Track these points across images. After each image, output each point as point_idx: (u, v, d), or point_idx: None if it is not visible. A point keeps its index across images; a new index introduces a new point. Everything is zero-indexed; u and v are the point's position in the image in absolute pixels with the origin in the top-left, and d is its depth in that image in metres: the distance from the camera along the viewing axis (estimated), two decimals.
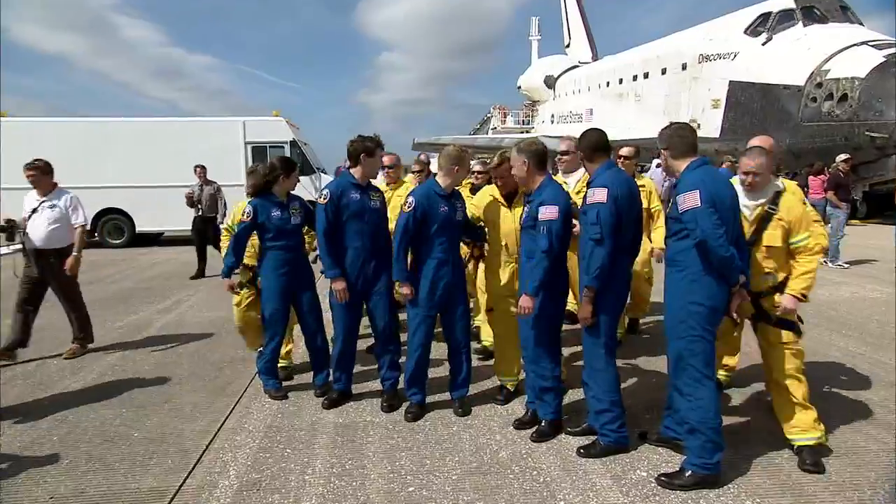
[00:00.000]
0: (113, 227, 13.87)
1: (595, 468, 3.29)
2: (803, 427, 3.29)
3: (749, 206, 3.33)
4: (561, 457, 3.43)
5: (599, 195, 3.22)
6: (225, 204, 9.86)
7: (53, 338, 5.98)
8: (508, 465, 3.35)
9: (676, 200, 3.01)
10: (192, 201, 9.70)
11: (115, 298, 8.11)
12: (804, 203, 3.41)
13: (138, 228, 13.94)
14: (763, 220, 3.32)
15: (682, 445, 3.22)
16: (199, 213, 9.74)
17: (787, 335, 3.33)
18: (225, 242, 4.66)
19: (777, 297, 3.32)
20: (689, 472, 3.07)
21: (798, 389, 3.31)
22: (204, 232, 9.81)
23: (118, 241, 13.86)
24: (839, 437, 3.55)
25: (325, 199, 3.99)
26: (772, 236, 3.31)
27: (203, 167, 9.92)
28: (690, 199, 2.92)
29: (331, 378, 4.33)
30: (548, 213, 3.43)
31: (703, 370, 3.06)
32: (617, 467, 3.29)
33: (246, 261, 4.50)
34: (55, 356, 5.44)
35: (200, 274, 9.64)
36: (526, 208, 3.62)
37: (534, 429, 3.72)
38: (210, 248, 9.64)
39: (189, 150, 12.37)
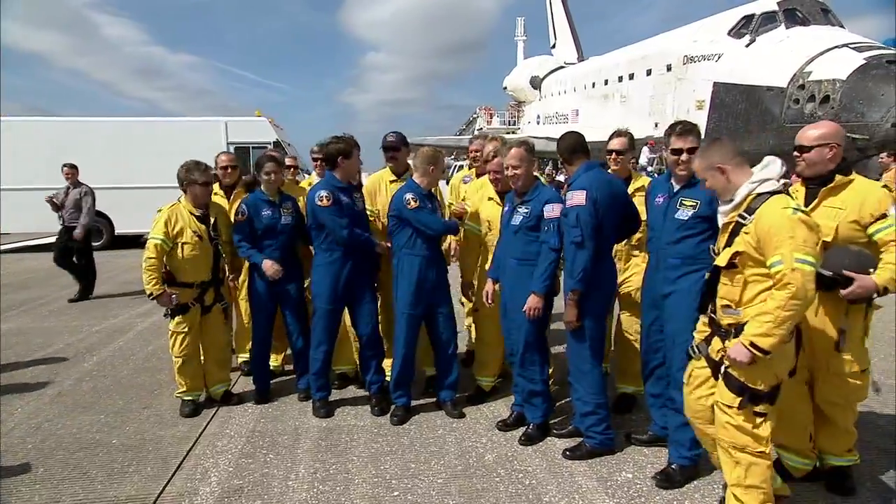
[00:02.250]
0: (91, 228, 13.64)
1: (581, 470, 3.28)
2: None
3: (723, 213, 2.57)
4: (547, 459, 3.41)
5: (578, 198, 3.21)
6: (89, 210, 8.07)
7: (27, 343, 5.87)
8: (494, 467, 3.32)
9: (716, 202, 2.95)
10: (55, 206, 8.00)
11: (94, 302, 7.97)
12: (796, 213, 2.31)
13: (117, 230, 13.71)
14: (732, 234, 2.48)
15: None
16: (63, 222, 8.03)
17: (724, 394, 2.44)
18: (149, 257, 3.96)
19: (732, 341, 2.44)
20: (675, 465, 3.12)
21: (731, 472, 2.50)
22: (68, 244, 8.03)
23: (96, 244, 13.63)
24: None
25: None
26: (725, 254, 2.48)
27: (72, 166, 8.14)
28: None
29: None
30: (555, 210, 3.42)
31: None
32: (603, 469, 3.28)
33: (189, 278, 4.08)
34: (29, 362, 5.32)
35: (84, 294, 8.05)
36: (523, 209, 3.56)
37: (518, 430, 3.71)
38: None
39: (169, 151, 12.17)
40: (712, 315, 2.58)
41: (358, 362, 4.45)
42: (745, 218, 2.39)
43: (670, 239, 3.10)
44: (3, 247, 13.76)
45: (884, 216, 2.65)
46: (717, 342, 2.55)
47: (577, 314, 3.29)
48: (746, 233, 2.37)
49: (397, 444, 3.63)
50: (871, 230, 2.67)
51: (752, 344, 2.27)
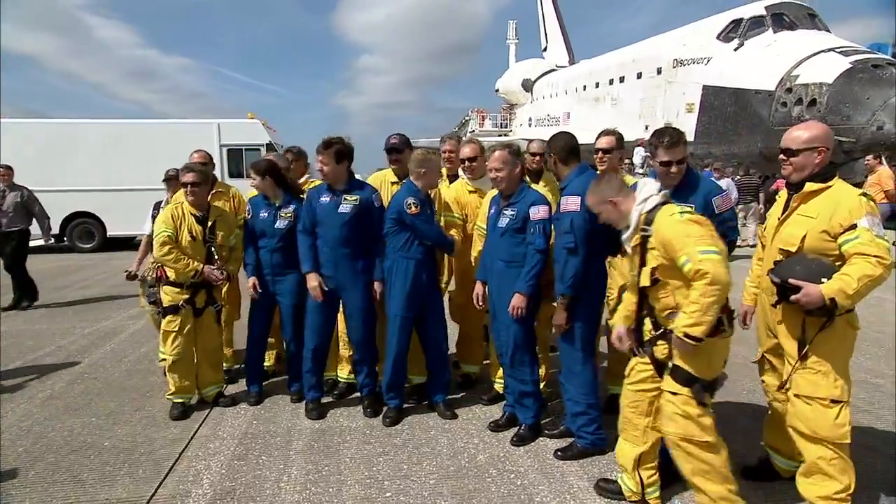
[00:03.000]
0: (83, 231, 13.57)
1: (572, 470, 3.30)
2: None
3: (626, 240, 2.75)
4: (538, 459, 3.43)
5: (573, 203, 3.23)
6: (43, 214, 7.71)
7: (18, 345, 5.82)
8: (486, 468, 3.34)
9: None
10: None
11: (85, 304, 7.93)
12: (683, 215, 2.51)
13: (110, 232, 13.65)
14: (643, 253, 2.64)
15: None
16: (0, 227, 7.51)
17: (671, 385, 2.57)
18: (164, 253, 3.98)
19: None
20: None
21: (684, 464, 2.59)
22: (4, 250, 7.56)
23: (89, 246, 13.57)
24: None
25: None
26: (644, 273, 2.63)
27: (7, 167, 7.63)
28: (729, 201, 3.20)
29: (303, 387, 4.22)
30: (541, 212, 3.45)
31: None
32: (594, 469, 3.31)
33: (180, 278, 4.08)
34: (20, 365, 5.28)
35: (19, 302, 7.61)
36: (509, 211, 3.57)
37: (510, 431, 3.73)
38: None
39: (162, 153, 12.14)
40: (658, 331, 2.68)
41: (338, 368, 4.51)
42: (647, 230, 2.59)
43: None
44: None
45: (853, 227, 2.41)
46: (662, 345, 2.67)
47: (567, 318, 3.32)
48: (652, 248, 2.56)
49: (390, 446, 3.64)
50: (839, 241, 2.44)
51: (686, 335, 2.41)
